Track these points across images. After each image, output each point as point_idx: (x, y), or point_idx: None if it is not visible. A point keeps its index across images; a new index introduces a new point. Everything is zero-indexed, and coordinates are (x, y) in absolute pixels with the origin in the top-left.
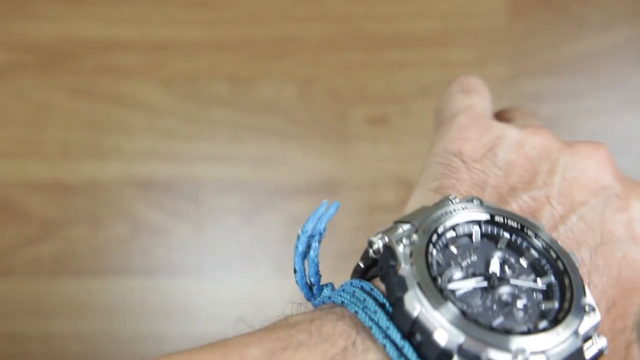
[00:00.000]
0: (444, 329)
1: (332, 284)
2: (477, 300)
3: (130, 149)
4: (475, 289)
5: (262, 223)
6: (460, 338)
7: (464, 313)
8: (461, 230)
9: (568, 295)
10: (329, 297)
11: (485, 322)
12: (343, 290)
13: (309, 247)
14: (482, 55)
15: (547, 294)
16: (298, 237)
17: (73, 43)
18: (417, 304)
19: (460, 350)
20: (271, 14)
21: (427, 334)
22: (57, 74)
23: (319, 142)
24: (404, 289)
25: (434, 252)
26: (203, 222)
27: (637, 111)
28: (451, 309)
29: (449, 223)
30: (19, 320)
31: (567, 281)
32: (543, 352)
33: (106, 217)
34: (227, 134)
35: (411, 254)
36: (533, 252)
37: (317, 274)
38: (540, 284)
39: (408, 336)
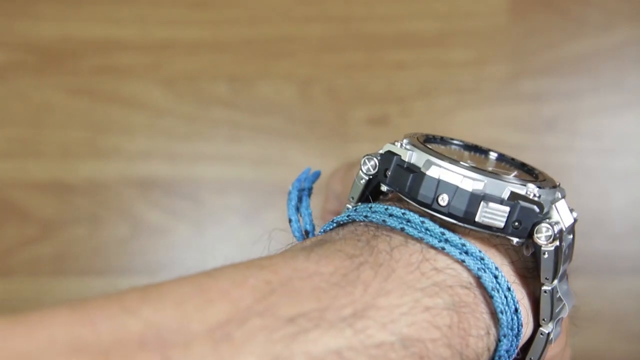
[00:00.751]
0: (469, 178)
1: (320, 233)
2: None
3: (130, 148)
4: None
5: (262, 223)
6: (483, 181)
7: (475, 168)
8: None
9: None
10: (348, 216)
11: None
12: (357, 214)
13: (299, 200)
14: (482, 55)
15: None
16: (289, 192)
17: (73, 43)
18: (435, 168)
19: (483, 192)
20: (271, 14)
21: (454, 187)
22: (57, 74)
23: (319, 142)
24: (416, 167)
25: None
26: (203, 222)
27: (637, 111)
28: (464, 164)
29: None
30: None
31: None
32: (552, 187)
33: (106, 217)
34: (227, 134)
35: (409, 148)
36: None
37: (312, 222)
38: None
39: (432, 203)
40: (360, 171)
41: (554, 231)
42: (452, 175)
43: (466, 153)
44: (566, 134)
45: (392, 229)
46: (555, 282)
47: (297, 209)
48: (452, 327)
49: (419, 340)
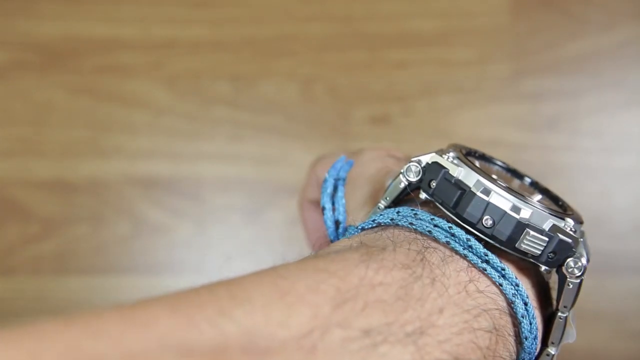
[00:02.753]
0: (519, 205)
1: (357, 229)
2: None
3: (132, 147)
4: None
5: (264, 221)
6: (530, 211)
7: (523, 196)
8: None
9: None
10: (392, 220)
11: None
12: (392, 216)
13: (335, 189)
14: (483, 54)
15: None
16: (325, 180)
17: (75, 42)
18: (487, 190)
19: (529, 222)
20: (273, 13)
21: (501, 212)
22: (58, 73)
23: (320, 141)
24: (465, 184)
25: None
26: (205, 221)
27: (638, 110)
28: (513, 192)
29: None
30: (21, 319)
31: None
32: (580, 223)
33: (108, 215)
34: (229, 133)
35: (456, 163)
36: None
37: (345, 213)
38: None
39: (477, 223)
40: (403, 175)
41: (583, 265)
42: (502, 201)
43: (500, 182)
44: (567, 133)
45: (437, 241)
46: (571, 311)
47: (331, 198)
48: (489, 348)
49: (465, 359)
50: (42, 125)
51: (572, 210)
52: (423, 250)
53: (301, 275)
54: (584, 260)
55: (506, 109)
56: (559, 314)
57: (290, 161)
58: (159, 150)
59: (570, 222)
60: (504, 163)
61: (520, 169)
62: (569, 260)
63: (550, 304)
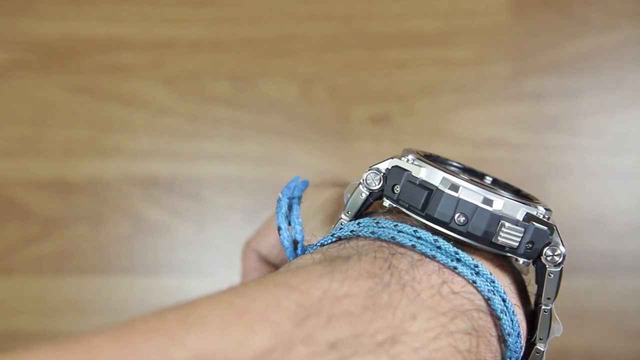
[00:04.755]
0: (490, 197)
1: (316, 245)
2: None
3: (132, 147)
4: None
5: (264, 221)
6: (501, 201)
7: (492, 188)
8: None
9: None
10: (352, 232)
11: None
12: (356, 228)
13: (289, 208)
14: (483, 54)
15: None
16: (279, 200)
17: (75, 42)
18: (455, 186)
19: (503, 213)
20: (273, 12)
21: (474, 206)
22: (58, 73)
23: (320, 141)
24: (431, 184)
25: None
26: (205, 220)
27: (638, 110)
28: (482, 184)
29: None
30: (21, 318)
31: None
32: (549, 211)
33: (108, 215)
34: (229, 133)
35: (417, 164)
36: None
37: (302, 232)
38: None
39: (449, 222)
40: (363, 185)
41: (562, 252)
42: (472, 195)
43: (463, 175)
44: (567, 132)
45: (403, 246)
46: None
47: (287, 218)
48: (470, 351)
49: None
50: (42, 125)
51: (537, 199)
52: (390, 257)
53: (260, 292)
54: (562, 248)
55: (506, 108)
56: (543, 307)
57: (290, 161)
58: (159, 150)
59: (542, 209)
60: (459, 163)
61: (521, 168)
62: (546, 249)
63: (529, 301)
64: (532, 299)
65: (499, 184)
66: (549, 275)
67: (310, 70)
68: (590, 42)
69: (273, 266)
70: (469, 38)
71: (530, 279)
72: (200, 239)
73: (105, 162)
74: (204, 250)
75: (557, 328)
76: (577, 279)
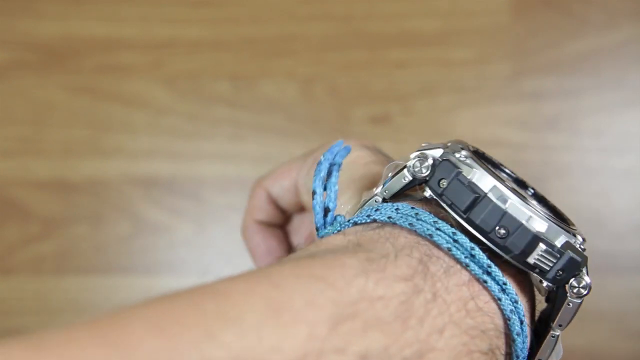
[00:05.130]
0: (536, 217)
1: (348, 222)
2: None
3: (132, 147)
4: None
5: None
6: (545, 224)
7: (539, 209)
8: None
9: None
10: (389, 218)
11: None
12: (387, 211)
13: (329, 174)
14: (483, 54)
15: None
16: (319, 162)
17: (75, 42)
18: (505, 198)
19: (545, 236)
20: (273, 12)
21: (518, 223)
22: (58, 73)
23: (320, 141)
24: (480, 189)
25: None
26: (205, 220)
27: (638, 110)
28: (531, 203)
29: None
30: (21, 318)
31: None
32: (583, 241)
33: (108, 215)
34: (229, 133)
35: (467, 163)
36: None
37: (336, 200)
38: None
39: (490, 232)
40: (409, 169)
41: (588, 284)
42: (519, 212)
43: (512, 184)
44: (567, 132)
45: (437, 246)
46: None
47: (323, 183)
48: None
49: None
50: (42, 125)
51: (573, 223)
52: (426, 260)
53: (297, 286)
54: (588, 279)
55: (506, 108)
56: (552, 332)
57: None
58: (159, 150)
59: (580, 239)
60: (512, 172)
61: (521, 168)
62: (572, 279)
63: (534, 319)
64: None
65: (537, 197)
66: (568, 305)
67: (310, 70)
68: (590, 42)
69: (280, 209)
70: (469, 38)
71: (540, 296)
72: (200, 239)
73: (105, 162)
74: (204, 250)
75: (558, 352)
76: None
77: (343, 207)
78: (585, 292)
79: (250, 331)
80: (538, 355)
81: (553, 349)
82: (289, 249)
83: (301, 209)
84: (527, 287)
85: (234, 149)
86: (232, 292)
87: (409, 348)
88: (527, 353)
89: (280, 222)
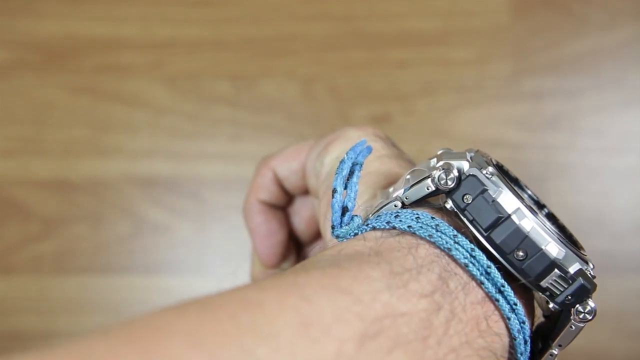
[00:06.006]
0: (554, 243)
1: (367, 226)
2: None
3: (132, 147)
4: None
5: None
6: (563, 252)
7: (559, 236)
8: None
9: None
10: (409, 227)
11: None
12: (410, 219)
13: (351, 173)
14: (484, 54)
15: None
16: (342, 161)
17: (75, 41)
18: (527, 221)
19: (561, 263)
20: (273, 12)
21: (538, 248)
22: (59, 73)
23: None
24: (505, 211)
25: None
26: (205, 220)
27: (638, 110)
28: (551, 228)
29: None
30: (21, 318)
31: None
32: (593, 267)
33: (108, 215)
34: (229, 132)
35: (494, 181)
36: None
37: (355, 199)
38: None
39: (509, 253)
40: (433, 179)
41: (593, 309)
42: (541, 237)
43: (534, 207)
44: (568, 132)
45: (455, 261)
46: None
47: (344, 182)
48: None
49: None
50: (43, 125)
51: (582, 247)
52: (445, 276)
53: (325, 299)
54: (592, 304)
55: (506, 108)
56: (551, 351)
57: None
58: (159, 150)
59: (591, 266)
60: (532, 192)
61: (521, 168)
62: (581, 304)
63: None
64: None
65: (549, 216)
66: (571, 327)
67: (311, 70)
68: (590, 42)
69: (284, 191)
70: (469, 38)
71: (539, 316)
72: (200, 239)
73: (105, 161)
74: (204, 250)
75: None
76: None
77: (360, 208)
78: (590, 318)
79: (284, 347)
80: None
81: None
82: (289, 231)
83: (305, 192)
84: (529, 304)
85: (234, 149)
86: (264, 303)
87: None
88: None
89: (284, 203)
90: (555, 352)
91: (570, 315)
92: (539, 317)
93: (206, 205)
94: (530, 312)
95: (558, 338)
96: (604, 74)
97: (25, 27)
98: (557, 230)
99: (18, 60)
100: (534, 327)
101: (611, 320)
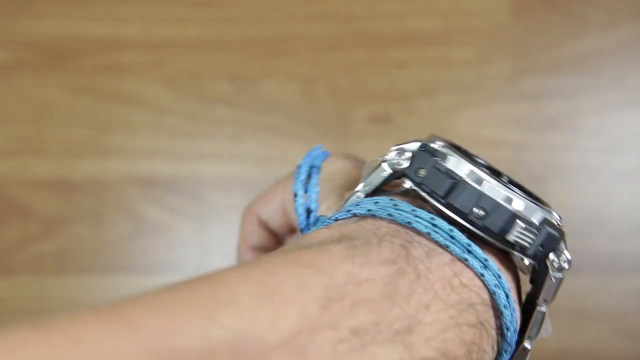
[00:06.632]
0: (513, 196)
1: (330, 219)
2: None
3: (132, 147)
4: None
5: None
6: (523, 203)
7: (515, 189)
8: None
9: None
10: (369, 210)
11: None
12: (368, 205)
13: (309, 177)
14: (484, 54)
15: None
16: (299, 166)
17: (75, 41)
18: (482, 180)
19: (522, 214)
20: (273, 12)
21: (495, 203)
22: (59, 73)
23: (321, 141)
24: (456, 174)
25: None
26: (205, 220)
27: (639, 110)
28: (505, 183)
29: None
30: (21, 318)
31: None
32: (560, 218)
33: (108, 215)
34: (230, 132)
35: (444, 151)
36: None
37: (317, 201)
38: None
39: (468, 213)
40: (387, 162)
41: (568, 259)
42: (496, 192)
43: (487, 170)
44: (568, 132)
45: (418, 232)
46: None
47: (304, 185)
48: (474, 343)
49: (453, 356)
50: (43, 125)
51: (548, 204)
52: (407, 245)
53: (287, 272)
54: (568, 254)
55: (506, 108)
56: (538, 308)
57: (290, 161)
58: (159, 150)
59: (556, 215)
60: (485, 161)
61: (521, 168)
62: (551, 254)
63: (521, 299)
64: (523, 296)
65: (513, 184)
66: (551, 279)
67: (311, 70)
68: (590, 42)
69: (271, 233)
70: (469, 38)
71: (524, 278)
72: (201, 239)
73: (105, 161)
74: (205, 249)
75: (547, 329)
76: (577, 279)
77: (328, 212)
78: (567, 266)
79: (246, 313)
80: (527, 333)
81: (541, 324)
82: None
83: (291, 230)
84: (511, 268)
85: (234, 149)
86: (226, 278)
87: (399, 323)
88: (517, 325)
89: (273, 245)
90: (543, 309)
91: (547, 267)
92: (526, 283)
93: (206, 205)
94: (513, 274)
95: (541, 293)
96: (604, 74)
97: (25, 27)
98: (517, 189)
99: (18, 60)
100: (524, 297)
101: (611, 320)
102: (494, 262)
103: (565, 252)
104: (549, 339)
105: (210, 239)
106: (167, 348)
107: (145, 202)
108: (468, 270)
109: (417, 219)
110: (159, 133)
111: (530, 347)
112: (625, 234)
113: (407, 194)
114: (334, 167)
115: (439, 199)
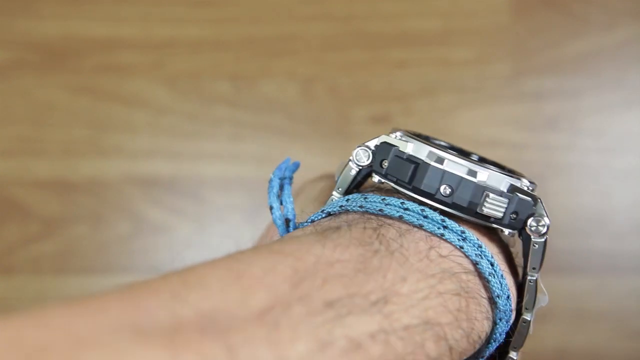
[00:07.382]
0: (475, 168)
1: (306, 222)
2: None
3: (132, 147)
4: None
5: (264, 221)
6: (486, 173)
7: (477, 160)
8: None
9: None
10: (341, 207)
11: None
12: (347, 203)
13: (281, 188)
14: (483, 54)
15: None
16: (270, 180)
17: (75, 41)
18: (442, 159)
19: (488, 184)
20: (273, 12)
21: (458, 178)
22: (59, 73)
23: (321, 141)
24: (417, 158)
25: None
26: (205, 220)
27: (638, 110)
28: (465, 157)
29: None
30: None
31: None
32: (534, 184)
33: (108, 215)
34: (230, 132)
35: (405, 139)
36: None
37: (293, 210)
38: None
39: (435, 193)
40: (352, 162)
41: (546, 223)
42: (457, 167)
43: (450, 151)
44: (568, 132)
45: (390, 217)
46: (539, 273)
47: (278, 197)
48: (460, 311)
49: (436, 323)
50: (43, 125)
51: (522, 173)
52: (378, 227)
53: (256, 259)
54: (546, 219)
55: (506, 108)
56: (528, 277)
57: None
58: (159, 150)
59: (525, 181)
60: (446, 142)
61: (521, 168)
62: (530, 220)
63: (517, 273)
64: (520, 272)
65: (485, 161)
66: (534, 246)
67: (311, 70)
68: (590, 42)
69: None
70: (469, 38)
71: (517, 252)
72: (201, 239)
73: (105, 161)
74: (205, 249)
75: (543, 298)
76: (577, 279)
77: (305, 215)
78: (543, 230)
79: (214, 292)
80: (524, 305)
81: (535, 294)
82: None
83: None
84: (496, 240)
85: (234, 149)
86: (195, 268)
87: (374, 295)
88: (508, 294)
89: None
90: (534, 277)
91: (530, 235)
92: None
93: (206, 205)
94: (499, 247)
95: (529, 261)
96: (604, 74)
97: (25, 27)
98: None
99: (18, 60)
100: (521, 273)
101: (611, 321)
102: (472, 234)
103: (545, 217)
104: (549, 338)
105: (210, 239)
106: (134, 325)
107: (146, 202)
108: (446, 244)
109: (388, 206)
110: (159, 133)
111: (530, 318)
112: (625, 234)
113: (381, 189)
114: (321, 187)
115: (405, 185)
